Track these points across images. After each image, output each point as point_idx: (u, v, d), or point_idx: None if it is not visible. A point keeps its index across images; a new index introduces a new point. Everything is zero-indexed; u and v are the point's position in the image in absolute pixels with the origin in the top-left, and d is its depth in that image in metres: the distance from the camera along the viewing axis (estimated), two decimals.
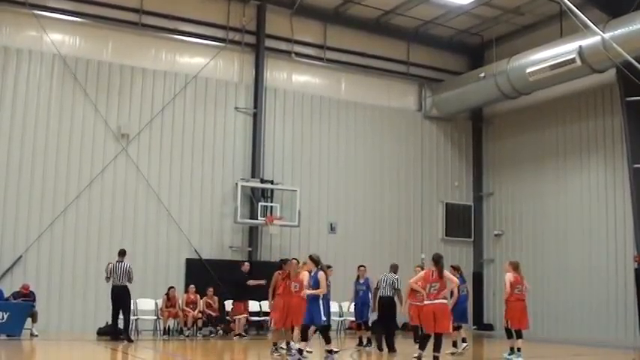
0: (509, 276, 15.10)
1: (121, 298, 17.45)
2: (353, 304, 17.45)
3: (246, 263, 20.20)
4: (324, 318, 13.77)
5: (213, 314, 20.19)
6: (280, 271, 15.54)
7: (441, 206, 26.77)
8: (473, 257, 26.91)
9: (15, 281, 19.16)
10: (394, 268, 16.61)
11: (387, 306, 16.39)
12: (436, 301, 12.93)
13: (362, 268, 17.45)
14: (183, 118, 22.44)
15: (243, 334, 19.36)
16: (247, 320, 19.83)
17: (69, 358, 15.90)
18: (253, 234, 22.98)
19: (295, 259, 16.13)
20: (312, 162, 24.41)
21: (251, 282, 19.28)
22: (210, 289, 20.40)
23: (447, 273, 13.17)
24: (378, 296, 16.61)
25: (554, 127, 24.58)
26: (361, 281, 17.30)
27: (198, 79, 22.71)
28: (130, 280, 17.53)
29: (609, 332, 21.75)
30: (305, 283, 14.29)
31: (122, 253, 17.74)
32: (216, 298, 20.44)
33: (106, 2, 21.53)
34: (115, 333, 17.65)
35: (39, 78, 20.60)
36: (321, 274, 13.63)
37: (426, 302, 13.13)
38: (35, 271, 19.73)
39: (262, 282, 18.29)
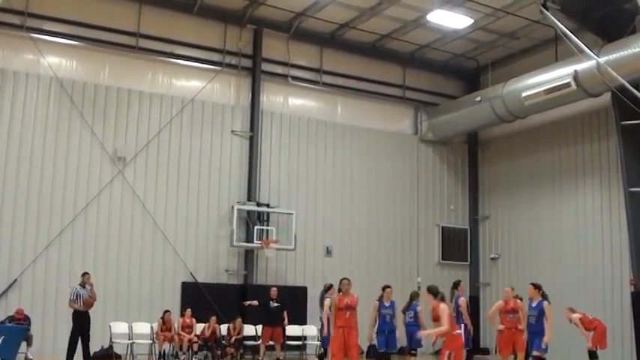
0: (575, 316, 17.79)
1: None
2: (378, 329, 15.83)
3: (274, 288, 19.95)
4: None
5: (213, 341, 19.77)
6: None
7: (437, 229, 26.75)
8: (469, 281, 26.73)
9: (10, 305, 18.96)
10: None
11: None
12: None
13: (388, 289, 16.00)
14: (179, 142, 22.42)
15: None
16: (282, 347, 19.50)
17: None
18: (249, 257, 22.87)
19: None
20: (309, 185, 24.38)
21: (246, 302, 19.31)
22: (213, 318, 19.85)
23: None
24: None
25: (550, 150, 24.63)
26: (386, 304, 15.84)
27: (194, 102, 22.71)
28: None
29: (605, 357, 21.63)
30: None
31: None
32: (217, 326, 19.92)
33: (102, 26, 21.54)
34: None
35: (36, 101, 20.57)
36: None
37: None
38: (30, 295, 19.56)
39: (256, 302, 19.31)
